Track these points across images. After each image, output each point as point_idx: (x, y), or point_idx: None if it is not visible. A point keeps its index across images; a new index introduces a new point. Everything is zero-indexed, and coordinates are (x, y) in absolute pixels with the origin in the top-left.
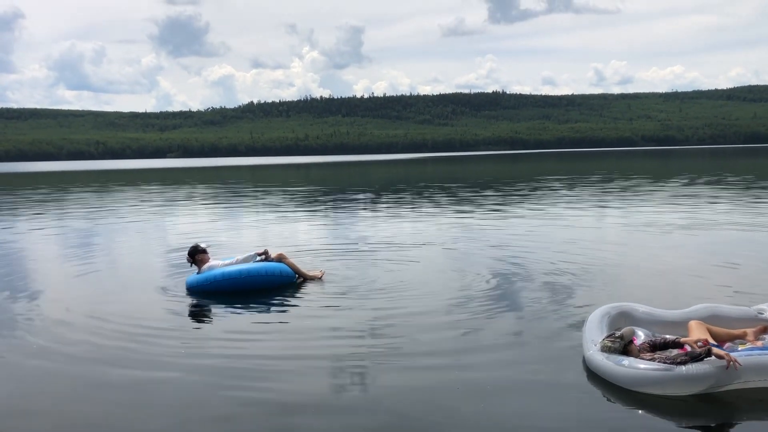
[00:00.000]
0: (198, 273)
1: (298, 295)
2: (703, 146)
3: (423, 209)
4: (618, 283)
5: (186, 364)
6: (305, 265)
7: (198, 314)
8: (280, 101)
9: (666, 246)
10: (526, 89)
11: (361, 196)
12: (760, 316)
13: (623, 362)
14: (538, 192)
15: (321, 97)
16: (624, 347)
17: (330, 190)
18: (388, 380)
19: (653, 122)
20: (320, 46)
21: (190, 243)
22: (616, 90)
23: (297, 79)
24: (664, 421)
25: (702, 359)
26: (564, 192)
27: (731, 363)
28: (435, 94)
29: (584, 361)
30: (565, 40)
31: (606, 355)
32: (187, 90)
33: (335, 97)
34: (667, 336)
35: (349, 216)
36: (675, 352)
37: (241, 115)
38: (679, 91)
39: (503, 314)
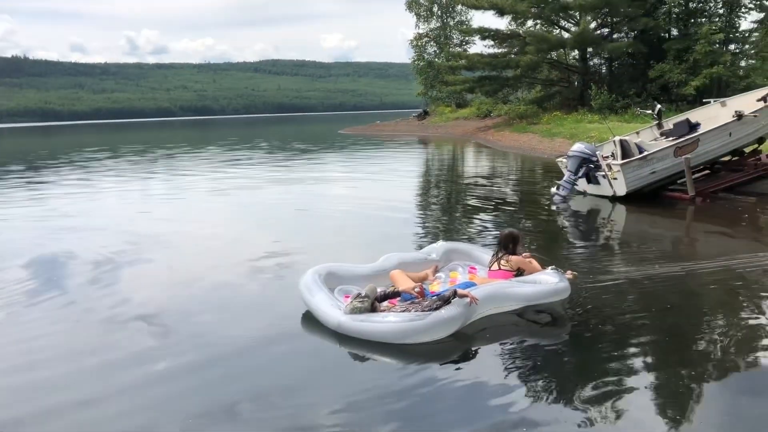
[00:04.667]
0: None
1: None
2: (238, 116)
3: None
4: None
5: None
6: None
7: None
8: None
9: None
10: (52, 55)
11: None
12: (429, 258)
13: (389, 318)
14: (86, 167)
15: None
16: (371, 305)
17: None
18: None
19: (190, 93)
20: None
21: None
22: (151, 60)
23: None
24: (428, 365)
25: (451, 301)
26: (114, 165)
27: (472, 300)
28: None
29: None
30: (91, 5)
31: (358, 316)
32: None
33: None
34: (383, 288)
35: None
36: (397, 299)
37: None
38: (212, 62)
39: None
